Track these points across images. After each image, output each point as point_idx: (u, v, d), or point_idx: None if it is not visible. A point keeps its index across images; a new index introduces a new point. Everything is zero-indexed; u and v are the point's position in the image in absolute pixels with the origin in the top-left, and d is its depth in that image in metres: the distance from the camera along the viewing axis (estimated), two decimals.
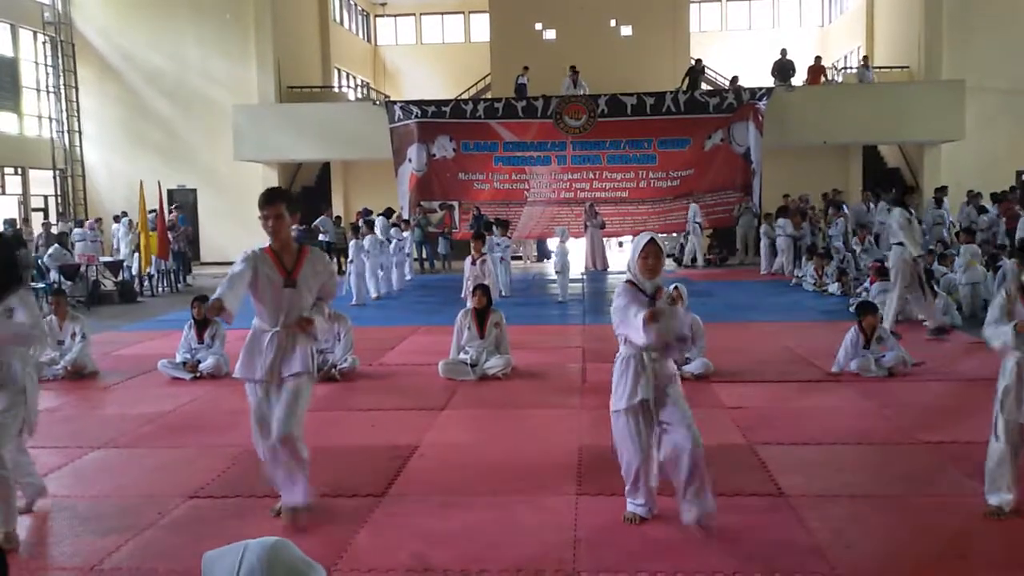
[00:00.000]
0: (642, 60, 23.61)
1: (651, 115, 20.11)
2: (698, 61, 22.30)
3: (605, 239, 20.05)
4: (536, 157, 20.54)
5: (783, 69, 21.51)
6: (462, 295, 9.95)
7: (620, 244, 22.35)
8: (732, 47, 30.05)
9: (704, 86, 22.27)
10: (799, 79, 21.82)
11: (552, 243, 18.17)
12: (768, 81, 21.45)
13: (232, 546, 1.96)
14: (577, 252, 17.90)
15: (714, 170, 20.11)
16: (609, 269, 18.72)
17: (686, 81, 21.39)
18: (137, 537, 4.51)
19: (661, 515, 4.54)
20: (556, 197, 20.54)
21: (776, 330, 10.63)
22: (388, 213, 18.28)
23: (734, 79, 21.53)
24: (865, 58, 22.47)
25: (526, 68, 21.76)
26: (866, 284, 12.28)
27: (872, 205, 18.03)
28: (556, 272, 14.21)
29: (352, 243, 14.71)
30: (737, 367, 8.22)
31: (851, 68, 25.33)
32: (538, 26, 24.89)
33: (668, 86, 20.95)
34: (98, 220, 18.44)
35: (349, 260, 14.69)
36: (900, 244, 9.87)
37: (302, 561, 1.96)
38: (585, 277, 17.44)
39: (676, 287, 7.95)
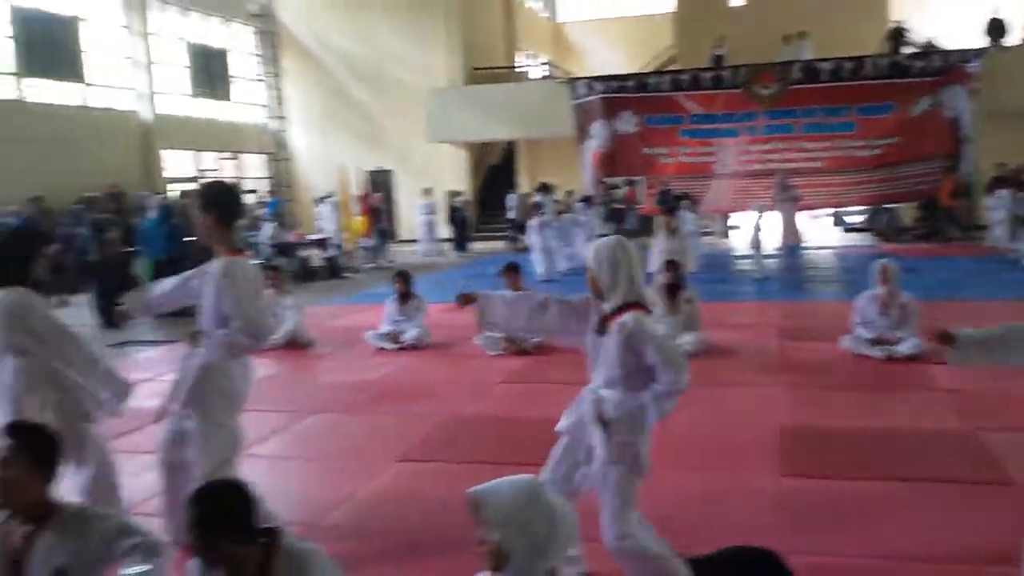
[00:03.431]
0: (838, 24, 22.33)
1: (849, 80, 19.04)
2: (900, 23, 20.84)
3: (799, 213, 19.22)
4: (724, 129, 19.93)
5: (996, 28, 19.73)
6: (652, 270, 9.80)
7: (817, 219, 21.43)
8: (936, 6, 27.84)
9: (907, 49, 20.80)
10: (1015, 38, 19.94)
11: (742, 218, 17.64)
12: (979, 41, 19.73)
13: (498, 480, 2.14)
14: (771, 227, 17.28)
15: (921, 138, 18.72)
16: (803, 244, 17.96)
17: (888, 44, 20.07)
18: (352, 497, 4.81)
19: (869, 496, 4.35)
20: (745, 169, 19.86)
21: (995, 308, 9.85)
22: (545, 188, 18.41)
23: (932, 40, 19.94)
24: None
25: (722, 38, 21.11)
26: None
27: None
28: (749, 248, 13.80)
29: (535, 220, 14.92)
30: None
31: None
32: None
33: (867, 51, 19.73)
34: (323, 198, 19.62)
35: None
36: None
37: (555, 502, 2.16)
38: (778, 253, 16.83)
39: (884, 264, 7.54)
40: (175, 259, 10.98)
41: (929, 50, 19.93)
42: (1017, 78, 18.28)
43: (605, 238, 3.43)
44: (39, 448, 2.66)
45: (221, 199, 3.93)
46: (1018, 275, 12.68)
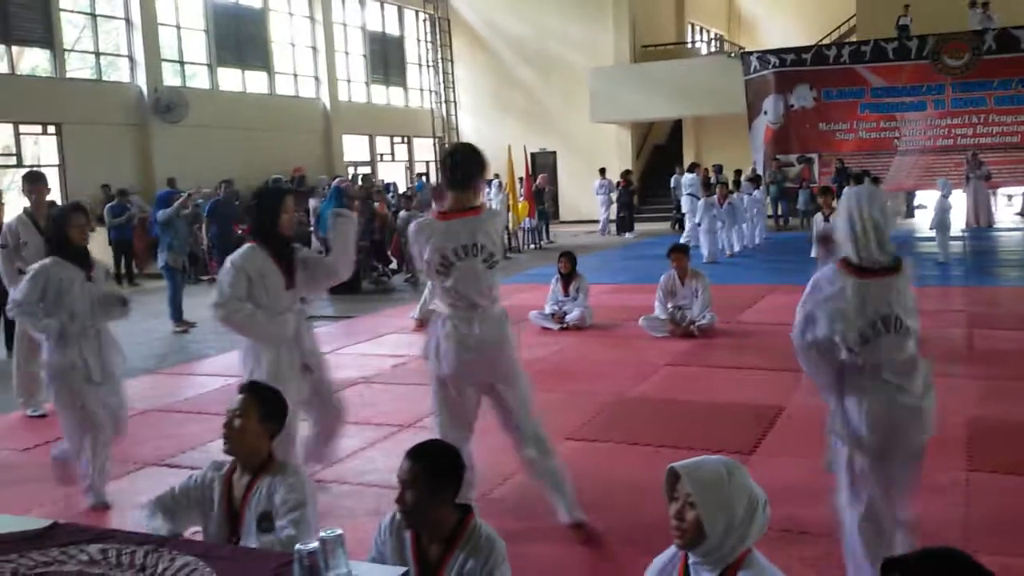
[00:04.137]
0: None
1: None
2: None
3: (991, 191, 17.88)
4: (909, 103, 18.81)
5: None
6: (812, 255, 9.34)
7: (1009, 198, 19.85)
8: None
9: None
10: None
11: (926, 196, 16.60)
12: None
13: (702, 459, 2.19)
14: (959, 206, 16.17)
15: None
16: (995, 225, 16.70)
17: None
18: (514, 475, 4.88)
19: None
20: (932, 145, 18.68)
21: None
22: (692, 168, 17.97)
23: None
24: None
25: (907, 7, 19.88)
26: None
27: None
28: (932, 229, 12.97)
29: (701, 201, 14.61)
30: None
31: None
32: None
33: None
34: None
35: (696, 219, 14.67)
36: None
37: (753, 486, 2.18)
38: (966, 234, 15.72)
39: None
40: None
41: None
42: None
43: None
44: (269, 404, 2.91)
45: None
46: None
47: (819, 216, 10.03)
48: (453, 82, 25.01)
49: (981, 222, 16.86)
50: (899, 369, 3.03)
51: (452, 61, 24.89)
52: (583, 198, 21.38)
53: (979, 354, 7.08)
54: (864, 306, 2.97)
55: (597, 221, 20.35)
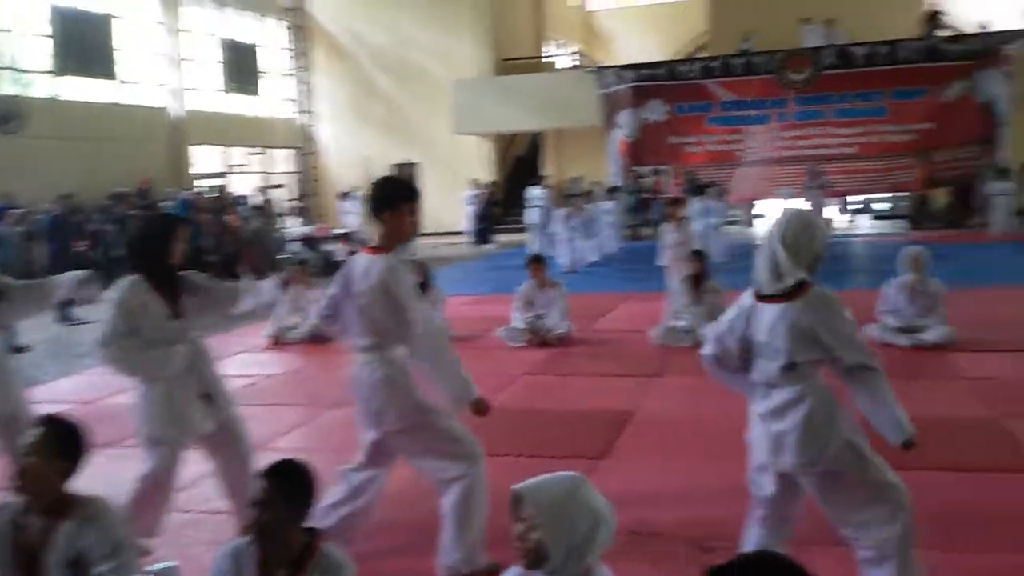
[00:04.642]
0: (872, 8, 21.97)
1: (883, 65, 18.76)
2: (936, 7, 20.47)
3: (829, 200, 18.98)
4: (754, 116, 19.76)
5: None
6: (663, 263, 9.51)
7: (845, 207, 21.11)
8: None
9: (944, 33, 20.44)
10: None
11: (770, 205, 17.46)
12: (1016, 23, 19.31)
13: (546, 476, 2.13)
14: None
15: (955, 123, 18.41)
16: (832, 232, 17.72)
17: (924, 28, 19.73)
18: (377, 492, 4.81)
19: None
20: (776, 156, 19.67)
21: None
22: (539, 181, 18.48)
23: (983, 24, 19.57)
24: None
25: (749, 32, 20.88)
26: None
27: None
28: None
29: (559, 211, 14.91)
30: (980, 335, 7.56)
31: None
32: None
33: (900, 35, 19.40)
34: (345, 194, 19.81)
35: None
36: None
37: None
38: None
39: (915, 251, 7.42)
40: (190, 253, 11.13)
41: (966, 33, 19.57)
42: None
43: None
44: (64, 441, 2.68)
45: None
46: None
47: (667, 226, 10.22)
48: (312, 92, 24.58)
49: None
50: (766, 394, 3.09)
51: (311, 70, 24.46)
52: (445, 209, 21.39)
53: None
54: (747, 328, 3.06)
55: (460, 232, 20.39)
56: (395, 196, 3.67)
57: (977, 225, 17.74)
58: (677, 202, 10.71)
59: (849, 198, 20.89)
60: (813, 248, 3.03)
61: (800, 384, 3.00)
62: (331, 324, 3.83)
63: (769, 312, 3.02)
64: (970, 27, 20.12)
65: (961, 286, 9.79)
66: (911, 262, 7.54)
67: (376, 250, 3.63)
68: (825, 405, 3.01)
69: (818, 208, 18.04)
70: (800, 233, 3.03)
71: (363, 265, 3.61)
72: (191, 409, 3.87)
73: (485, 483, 3.61)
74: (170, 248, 3.91)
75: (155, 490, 3.82)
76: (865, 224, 18.72)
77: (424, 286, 9.01)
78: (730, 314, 3.17)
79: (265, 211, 14.40)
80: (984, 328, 7.78)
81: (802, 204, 17.82)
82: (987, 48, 18.19)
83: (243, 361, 8.57)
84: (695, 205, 13.64)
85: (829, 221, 18.21)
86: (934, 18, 19.94)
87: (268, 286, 4.57)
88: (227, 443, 4.04)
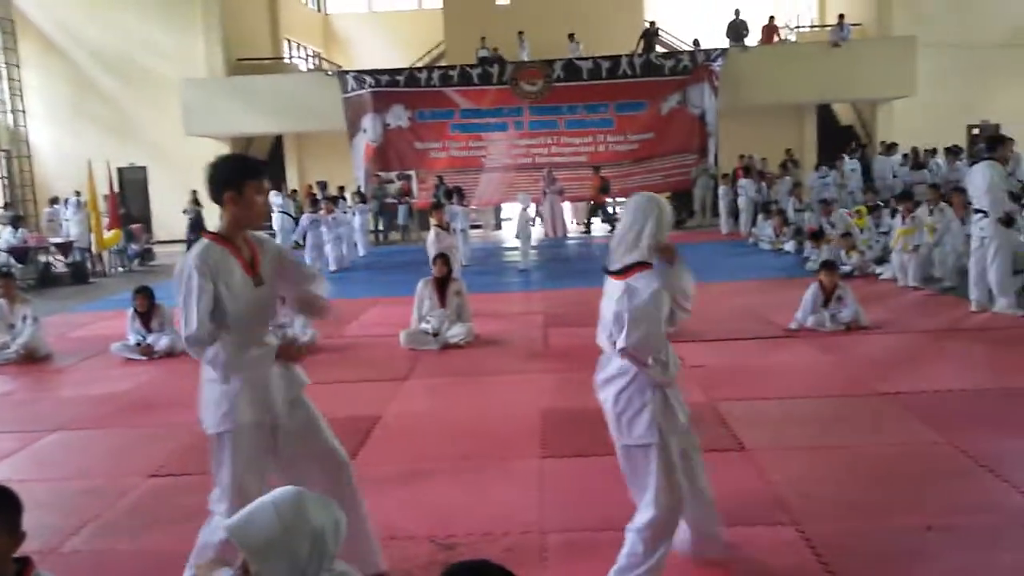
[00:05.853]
0: (597, 24, 23.45)
1: (607, 79, 20.06)
2: (652, 23, 22.23)
3: (564, 204, 20.01)
4: (493, 124, 20.43)
5: (736, 29, 21.50)
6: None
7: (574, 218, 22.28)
8: (686, 7, 29.97)
9: (659, 48, 22.24)
10: (753, 39, 21.83)
11: (510, 209, 18.08)
12: (723, 42, 21.42)
13: (255, 506, 2.02)
14: (536, 219, 17.87)
15: (672, 133, 20.17)
16: (569, 235, 18.71)
17: (641, 44, 21.33)
18: (98, 518, 4.45)
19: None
20: (514, 163, 20.46)
21: (734, 289, 10.72)
22: (279, 188, 18.11)
23: (695, 42, 21.45)
24: (841, 16, 21.19)
25: (483, 39, 21.53)
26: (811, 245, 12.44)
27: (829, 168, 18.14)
28: (516, 237, 14.15)
29: (305, 217, 14.58)
30: (698, 327, 8.25)
31: (804, 27, 25.38)
32: None
33: (623, 50, 20.86)
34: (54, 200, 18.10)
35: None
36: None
37: (322, 499, 2.11)
38: (544, 244, 17.42)
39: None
40: None
41: (678, 51, 21.39)
42: (755, 77, 20.02)
43: None
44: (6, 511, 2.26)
45: None
46: (759, 258, 13.90)
47: (432, 233, 10.32)
48: (21, 90, 22.24)
49: (558, 233, 18.79)
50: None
51: (20, 66, 22.12)
52: (178, 216, 20.17)
53: (553, 351, 7.82)
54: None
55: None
56: (238, 175, 3.21)
57: (696, 227, 19.43)
58: (439, 207, 10.92)
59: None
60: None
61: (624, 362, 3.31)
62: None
63: (609, 287, 3.44)
64: (686, 45, 21.98)
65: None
66: None
67: (217, 238, 3.26)
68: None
69: (556, 212, 19.02)
70: (637, 218, 3.40)
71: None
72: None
73: None
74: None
75: None
76: (601, 227, 19.85)
77: (148, 313, 8.51)
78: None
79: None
80: (698, 321, 8.50)
81: (544, 208, 18.72)
82: (696, 65, 19.99)
83: None
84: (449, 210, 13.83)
85: (565, 223, 19.16)
86: (648, 35, 21.61)
87: None
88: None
